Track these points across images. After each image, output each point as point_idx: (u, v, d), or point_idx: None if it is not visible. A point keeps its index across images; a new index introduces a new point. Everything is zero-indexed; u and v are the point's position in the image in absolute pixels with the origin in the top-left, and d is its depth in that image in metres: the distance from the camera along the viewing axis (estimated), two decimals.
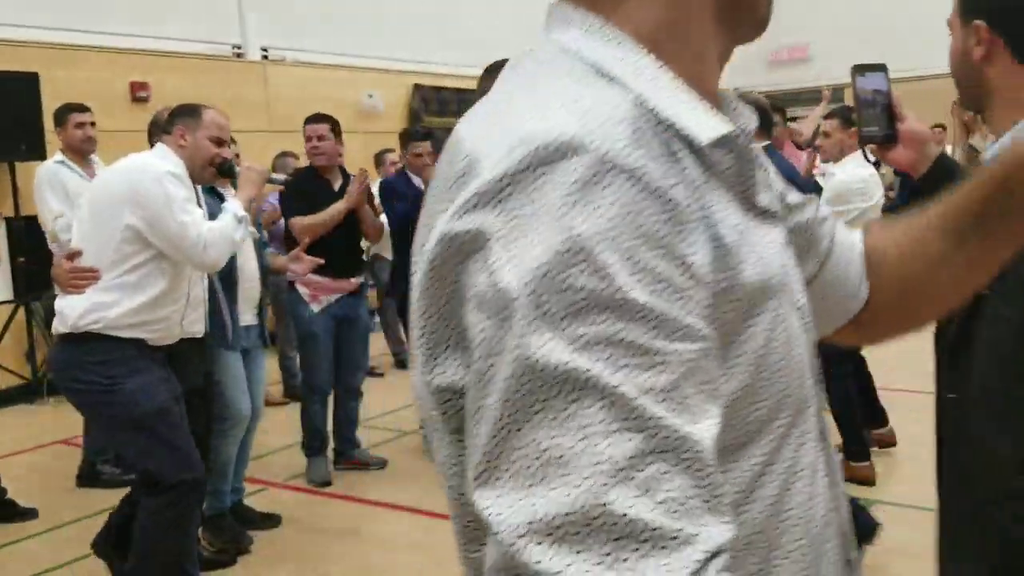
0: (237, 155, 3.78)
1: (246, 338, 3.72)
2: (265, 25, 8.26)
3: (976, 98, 1.33)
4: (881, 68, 1.42)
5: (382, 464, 4.62)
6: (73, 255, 2.87)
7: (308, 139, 4.35)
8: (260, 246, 3.88)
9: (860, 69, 1.46)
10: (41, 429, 5.62)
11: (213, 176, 3.20)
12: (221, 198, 3.54)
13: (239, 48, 8.16)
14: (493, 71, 2.11)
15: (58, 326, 2.87)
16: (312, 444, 4.43)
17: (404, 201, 4.64)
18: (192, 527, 3.06)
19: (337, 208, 4.25)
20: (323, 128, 4.34)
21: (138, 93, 7.25)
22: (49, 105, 6.04)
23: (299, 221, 4.23)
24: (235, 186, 3.26)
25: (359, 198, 4.31)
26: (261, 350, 3.87)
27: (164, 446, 2.84)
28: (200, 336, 3.25)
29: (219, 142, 3.07)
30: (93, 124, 4.79)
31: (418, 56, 9.72)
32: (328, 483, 4.35)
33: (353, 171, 4.51)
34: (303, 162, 5.13)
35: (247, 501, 3.97)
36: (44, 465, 4.94)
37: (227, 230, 2.95)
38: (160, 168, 2.89)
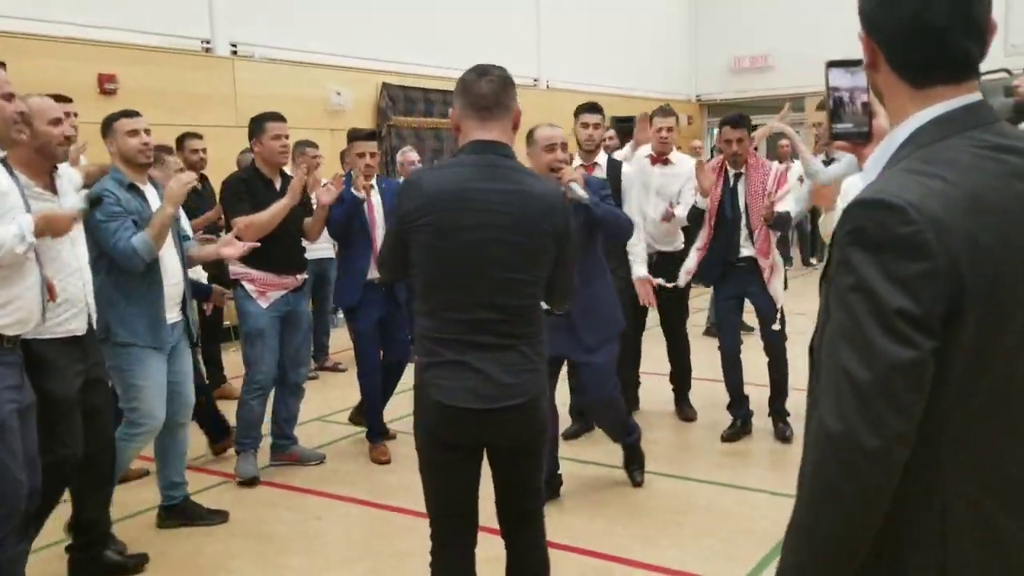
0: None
1: (171, 336, 3.69)
2: (235, 20, 8.28)
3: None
4: (857, 63, 1.38)
5: (320, 459, 4.71)
6: None
7: (276, 137, 4.37)
8: (181, 240, 3.84)
9: (834, 64, 1.42)
10: None
11: (30, 138, 2.84)
12: (143, 196, 3.58)
13: (208, 43, 8.18)
14: None
15: None
16: (244, 440, 4.47)
17: (341, 204, 4.64)
18: (16, 566, 2.80)
19: (280, 205, 4.28)
20: (287, 128, 4.44)
21: (106, 85, 7.25)
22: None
23: (243, 219, 4.26)
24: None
25: (299, 193, 4.34)
26: (187, 345, 3.86)
27: None
28: (80, 334, 3.13)
29: (10, 96, 2.69)
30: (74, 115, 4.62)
31: (387, 55, 9.79)
32: (256, 480, 4.39)
33: (321, 170, 4.58)
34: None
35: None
36: None
37: (5, 242, 2.60)
38: None
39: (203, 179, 5.89)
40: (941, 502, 1.20)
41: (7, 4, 6.63)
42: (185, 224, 4.24)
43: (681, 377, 5.47)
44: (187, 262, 3.86)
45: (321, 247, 6.11)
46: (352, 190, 4.69)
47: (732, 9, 15.40)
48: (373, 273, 4.61)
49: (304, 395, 4.74)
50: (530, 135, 3.79)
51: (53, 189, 3.11)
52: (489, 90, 2.29)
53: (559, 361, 3.89)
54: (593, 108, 4.92)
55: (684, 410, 5.41)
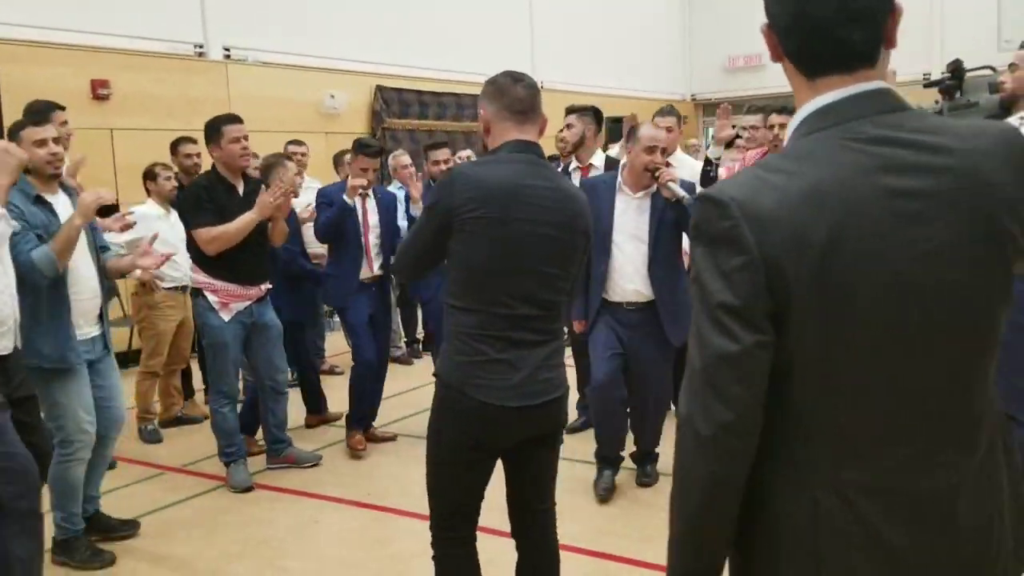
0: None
1: (91, 351, 3.55)
2: (227, 24, 8.27)
3: None
4: None
5: (316, 461, 4.71)
6: None
7: (235, 140, 4.22)
8: (98, 249, 3.63)
9: None
10: None
11: None
12: (51, 208, 3.38)
13: (201, 47, 8.17)
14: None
15: None
16: (229, 451, 4.43)
17: (328, 209, 4.74)
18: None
19: (248, 218, 4.19)
20: (245, 129, 4.30)
21: (99, 91, 7.24)
22: (8, 102, 6.05)
23: (208, 231, 4.17)
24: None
25: (268, 210, 4.24)
26: (111, 357, 3.71)
27: None
28: (4, 354, 3.00)
29: None
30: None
31: (380, 58, 9.78)
32: (250, 488, 4.35)
33: (314, 172, 4.57)
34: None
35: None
36: None
37: None
38: None
39: None
40: (810, 497, 1.19)
41: (0, 11, 6.61)
42: (113, 236, 4.14)
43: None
44: (104, 273, 3.66)
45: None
46: (344, 196, 4.72)
47: (726, 8, 15.40)
48: (364, 273, 4.82)
49: (288, 398, 4.72)
50: (632, 131, 4.00)
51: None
52: (527, 95, 2.39)
53: (623, 356, 4.03)
54: (573, 110, 4.98)
55: None
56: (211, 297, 4.28)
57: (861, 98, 1.20)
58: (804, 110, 1.24)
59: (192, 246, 4.34)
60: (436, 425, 2.42)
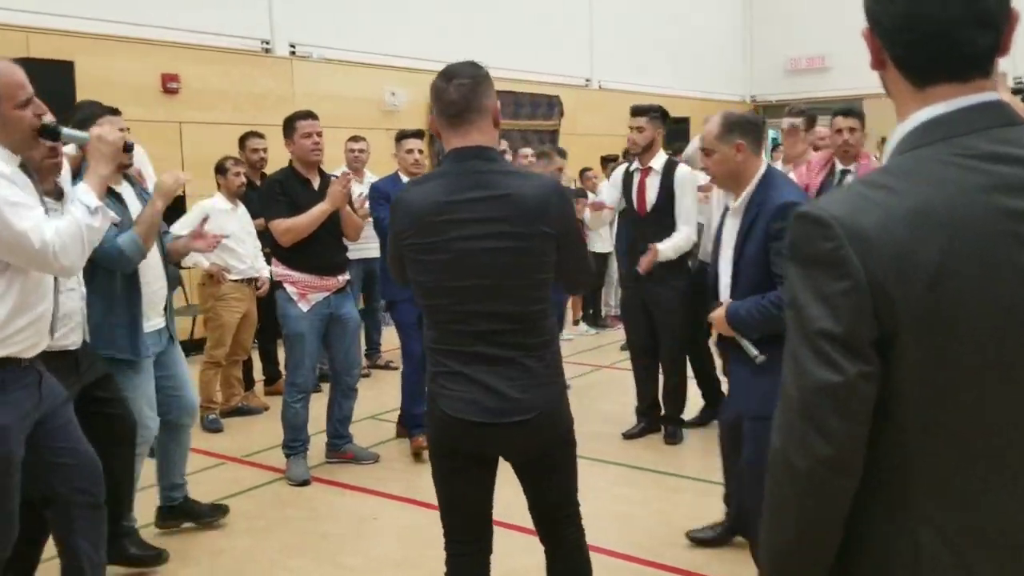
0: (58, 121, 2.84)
1: (157, 342, 3.54)
2: (293, 21, 8.38)
3: None
4: None
5: (375, 458, 4.74)
6: None
7: (307, 135, 4.31)
8: (161, 235, 3.60)
9: None
10: None
11: (50, 153, 2.77)
12: (119, 198, 3.38)
13: (267, 43, 8.29)
14: None
15: None
16: (292, 444, 4.48)
17: (385, 204, 4.64)
18: None
19: (320, 209, 4.25)
20: (319, 126, 4.38)
21: (168, 84, 7.39)
22: (83, 94, 6.19)
23: (281, 223, 4.25)
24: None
25: (341, 200, 4.31)
26: (176, 347, 3.70)
27: None
28: (74, 348, 3.01)
29: (27, 103, 2.49)
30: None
31: (440, 55, 9.78)
32: (307, 482, 4.40)
33: (377, 169, 4.57)
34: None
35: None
36: None
37: (78, 227, 2.48)
38: None
39: (263, 177, 5.97)
40: (911, 533, 1.13)
41: (74, 5, 6.79)
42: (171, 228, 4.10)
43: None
44: (168, 258, 3.67)
45: (367, 246, 6.13)
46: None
47: (788, 9, 15.17)
48: None
49: (357, 396, 4.77)
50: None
51: (59, 195, 2.95)
52: (459, 95, 2.19)
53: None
54: (640, 111, 4.87)
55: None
56: (290, 288, 4.37)
57: (975, 110, 1.12)
58: (911, 121, 1.15)
59: (270, 239, 4.43)
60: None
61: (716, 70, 14.91)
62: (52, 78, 6.32)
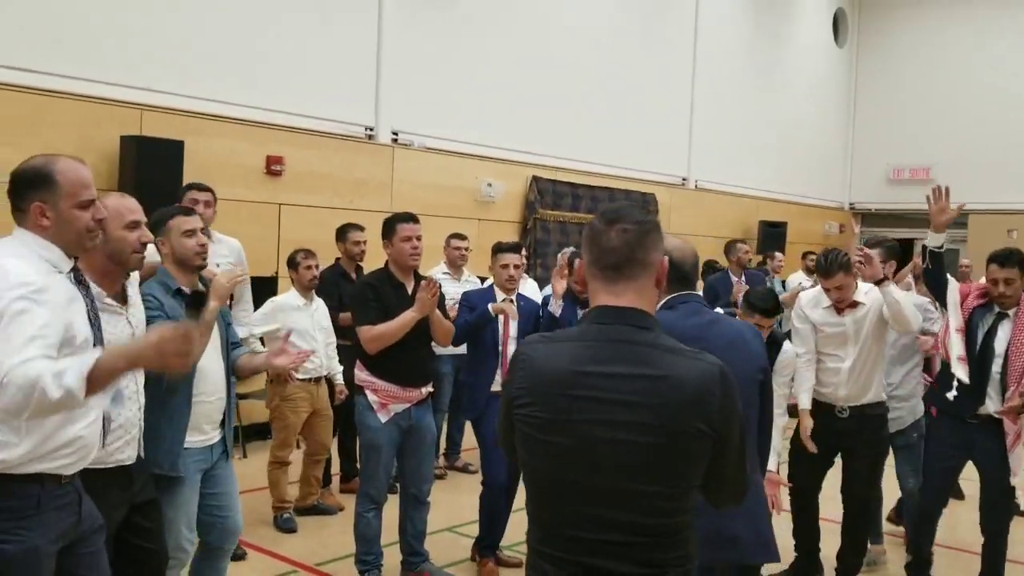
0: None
1: (207, 458, 3.27)
2: (397, 109, 8.44)
3: None
4: None
5: None
6: None
7: (407, 239, 4.14)
8: (228, 345, 3.37)
9: None
10: None
11: (108, 258, 2.62)
12: (185, 297, 3.18)
13: (371, 130, 8.34)
14: None
15: None
16: (365, 558, 4.24)
17: (472, 312, 4.58)
18: None
19: (408, 317, 4.03)
20: (420, 229, 4.21)
21: (273, 166, 7.44)
22: (191, 173, 6.25)
23: (370, 330, 4.05)
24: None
25: (430, 307, 4.08)
26: (230, 464, 3.41)
27: None
28: (128, 464, 2.74)
29: (88, 204, 2.36)
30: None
31: (539, 149, 9.78)
32: None
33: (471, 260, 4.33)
34: None
35: None
36: None
37: (38, 386, 2.01)
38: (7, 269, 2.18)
39: (358, 270, 5.85)
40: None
41: (187, 85, 6.92)
42: (238, 330, 3.80)
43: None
44: (232, 372, 3.39)
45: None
46: (489, 306, 4.58)
47: (889, 116, 14.85)
48: (497, 386, 4.42)
49: (429, 509, 4.46)
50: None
51: (123, 299, 2.74)
52: (621, 242, 1.81)
53: None
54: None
55: None
56: (371, 396, 4.15)
57: None
58: None
59: (356, 344, 4.24)
60: None
61: (815, 174, 14.59)
62: (163, 156, 6.44)
